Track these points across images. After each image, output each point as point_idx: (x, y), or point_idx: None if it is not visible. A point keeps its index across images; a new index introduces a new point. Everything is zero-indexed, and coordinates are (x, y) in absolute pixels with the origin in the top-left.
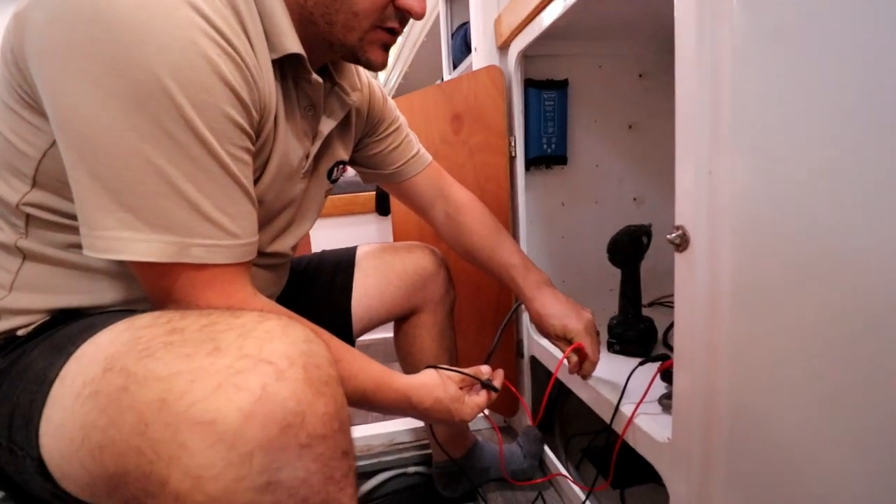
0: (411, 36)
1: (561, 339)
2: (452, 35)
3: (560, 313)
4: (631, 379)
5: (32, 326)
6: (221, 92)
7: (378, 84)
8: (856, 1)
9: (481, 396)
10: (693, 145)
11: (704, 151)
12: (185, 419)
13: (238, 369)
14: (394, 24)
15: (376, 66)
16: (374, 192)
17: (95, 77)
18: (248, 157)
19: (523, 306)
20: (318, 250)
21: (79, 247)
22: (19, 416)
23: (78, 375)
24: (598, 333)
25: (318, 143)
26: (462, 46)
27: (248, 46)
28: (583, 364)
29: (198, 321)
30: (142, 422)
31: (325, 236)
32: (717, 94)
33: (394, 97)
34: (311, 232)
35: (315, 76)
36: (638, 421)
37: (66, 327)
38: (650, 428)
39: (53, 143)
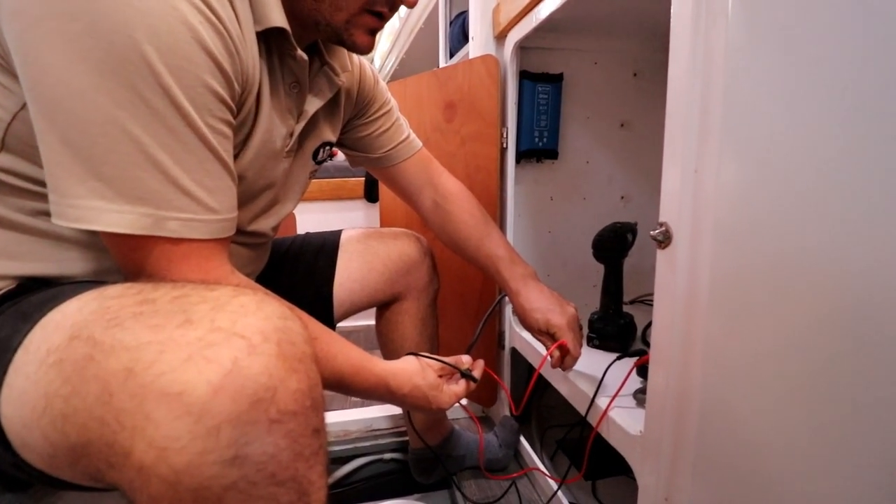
0: (409, 22)
1: (543, 333)
2: (450, 23)
3: (544, 307)
4: (608, 374)
5: None
6: (202, 61)
7: (370, 65)
8: (848, 7)
9: (460, 386)
10: (681, 143)
11: (692, 150)
12: (151, 390)
13: (209, 342)
14: (383, 9)
15: (361, 50)
16: (364, 179)
17: (70, 38)
18: (228, 130)
19: (507, 298)
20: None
21: (48, 214)
22: None
23: (42, 343)
24: (581, 328)
25: (302, 122)
26: (459, 35)
27: (232, 16)
28: (564, 359)
29: (170, 293)
30: (106, 391)
31: (312, 220)
32: (707, 94)
33: (389, 83)
34: (297, 215)
35: (300, 53)
36: (612, 414)
37: (34, 295)
38: (623, 421)
39: (24, 106)
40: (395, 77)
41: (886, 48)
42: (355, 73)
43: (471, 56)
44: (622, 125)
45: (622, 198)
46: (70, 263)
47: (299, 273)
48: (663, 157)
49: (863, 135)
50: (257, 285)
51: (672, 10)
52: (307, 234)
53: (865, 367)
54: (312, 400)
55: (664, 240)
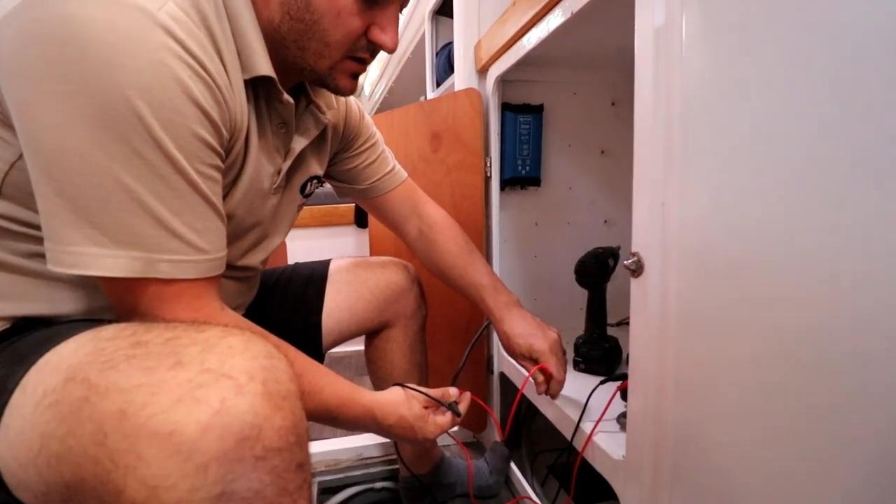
0: (396, 53)
1: (527, 358)
2: (437, 54)
3: (526, 333)
4: (595, 397)
5: None
6: (191, 112)
7: (356, 100)
8: (794, 44)
9: (446, 417)
10: (648, 177)
11: (659, 184)
12: (143, 430)
13: (199, 383)
14: (364, 55)
15: (344, 93)
16: (354, 205)
17: (66, 98)
18: (216, 174)
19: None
20: (294, 261)
21: (43, 256)
22: None
23: (39, 385)
24: (564, 353)
25: (290, 160)
26: (445, 65)
27: (220, 67)
28: (549, 384)
29: (162, 335)
30: (101, 432)
31: (302, 247)
32: (669, 130)
33: (378, 110)
34: (287, 242)
35: (287, 97)
36: (596, 439)
37: (29, 336)
38: (607, 446)
39: (21, 156)
40: (384, 104)
41: (836, 83)
42: (341, 109)
43: (456, 87)
44: (602, 152)
45: (605, 222)
46: (63, 303)
47: (288, 303)
48: (633, 190)
49: (816, 164)
50: (246, 322)
51: (636, 53)
52: (296, 264)
53: (832, 388)
54: (297, 436)
55: (637, 269)
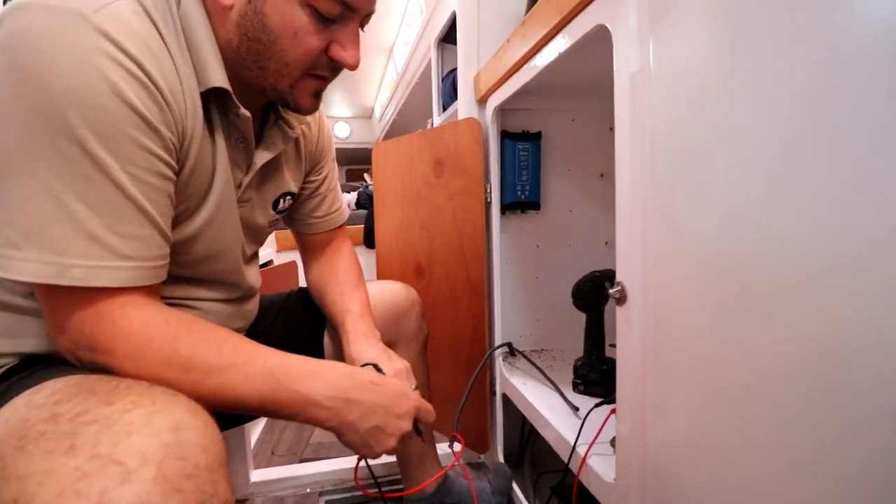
0: (406, 76)
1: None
2: (443, 79)
3: (373, 357)
4: (594, 419)
5: (1, 370)
6: (123, 113)
7: (327, 120)
8: (753, 81)
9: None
10: (628, 212)
11: (638, 218)
12: None
13: (84, 472)
14: (325, 73)
15: (306, 112)
16: (363, 226)
17: (1, 103)
18: (157, 181)
19: (494, 354)
20: (304, 281)
21: (24, 288)
22: None
23: None
24: (413, 380)
25: (250, 174)
26: (451, 91)
27: (171, 73)
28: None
29: (74, 408)
30: None
31: None
32: (644, 168)
33: (388, 132)
34: (298, 263)
35: (243, 111)
36: (590, 461)
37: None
38: (600, 468)
39: None
40: (394, 125)
41: (800, 118)
42: (315, 121)
43: (458, 116)
44: (602, 175)
45: (606, 243)
46: (33, 340)
47: (293, 325)
48: (616, 222)
49: (783, 198)
50: (197, 327)
51: (615, 99)
52: (302, 287)
53: (806, 415)
54: None
55: (621, 298)
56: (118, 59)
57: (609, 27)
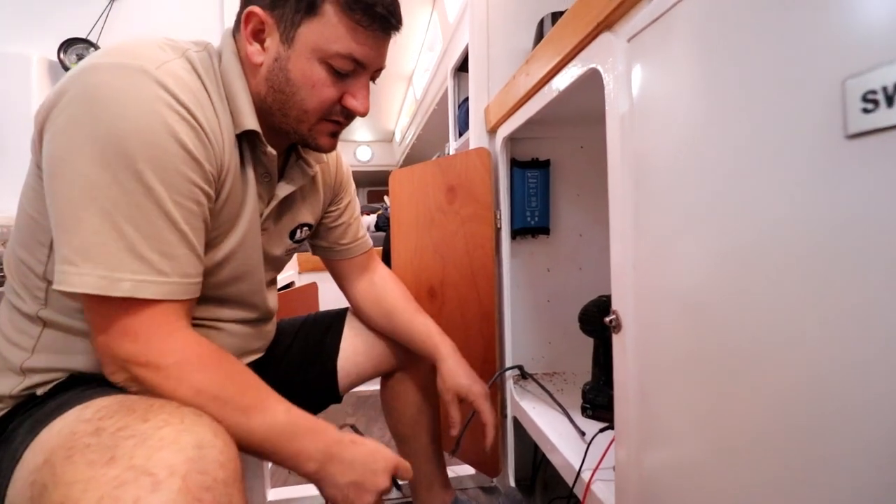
0: (424, 103)
1: (457, 397)
2: (459, 106)
3: (466, 375)
4: (599, 444)
5: (50, 385)
6: (176, 151)
7: (345, 160)
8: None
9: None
10: (620, 244)
11: (630, 250)
12: None
13: (121, 481)
14: (339, 118)
15: (325, 150)
16: (381, 247)
17: (77, 142)
18: (196, 208)
19: (504, 377)
20: (325, 301)
21: (78, 312)
22: None
23: (30, 461)
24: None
25: (272, 205)
26: (466, 117)
27: (212, 117)
28: (485, 429)
29: (116, 423)
30: None
31: (333, 288)
32: (635, 200)
33: (408, 155)
34: (319, 284)
35: (270, 149)
36: (594, 487)
37: (47, 404)
38: (603, 494)
39: None
40: (414, 149)
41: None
42: (332, 160)
43: (470, 145)
44: None
45: None
46: (81, 357)
47: (309, 350)
48: (610, 252)
49: (760, 227)
50: (215, 354)
51: (608, 139)
52: (317, 312)
53: (794, 442)
54: None
55: (616, 326)
56: (174, 107)
57: (601, 70)
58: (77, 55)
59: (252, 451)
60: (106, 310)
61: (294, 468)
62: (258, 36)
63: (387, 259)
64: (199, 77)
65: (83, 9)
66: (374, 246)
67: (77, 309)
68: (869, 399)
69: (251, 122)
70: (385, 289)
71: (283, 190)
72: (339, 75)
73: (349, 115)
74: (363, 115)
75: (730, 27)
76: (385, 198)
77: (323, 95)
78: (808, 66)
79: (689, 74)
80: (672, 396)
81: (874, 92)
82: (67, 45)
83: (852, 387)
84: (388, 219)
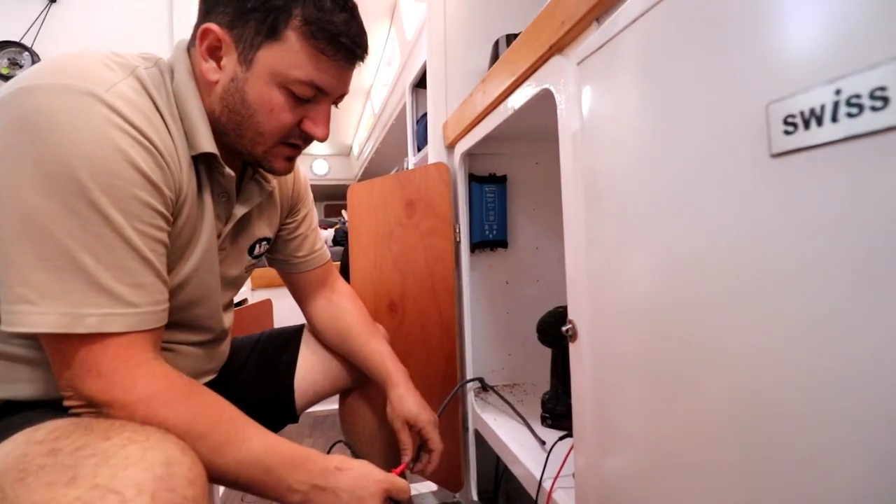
0: (382, 118)
1: (406, 425)
2: (417, 122)
3: (416, 403)
4: (558, 453)
5: None
6: (132, 176)
7: (303, 170)
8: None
9: None
10: (575, 255)
11: (584, 261)
12: None
13: (85, 501)
14: (297, 142)
15: (278, 173)
16: (339, 263)
17: (21, 172)
18: (158, 234)
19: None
20: (280, 318)
21: (19, 338)
22: None
23: None
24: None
25: (230, 225)
26: (424, 133)
27: (167, 139)
28: (430, 455)
29: (74, 442)
30: None
31: (288, 305)
32: (587, 214)
33: (366, 169)
34: (273, 301)
35: (228, 171)
36: (556, 495)
37: None
38: (564, 502)
39: None
40: (372, 163)
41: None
42: (289, 174)
43: (429, 160)
44: None
45: None
46: (39, 384)
47: (264, 368)
48: (566, 264)
49: (710, 235)
50: (181, 382)
51: (561, 157)
52: (272, 329)
53: (742, 449)
54: None
55: (573, 335)
56: (126, 130)
57: (553, 90)
58: (9, 59)
59: (231, 486)
60: (68, 347)
61: (278, 500)
62: (214, 53)
63: (345, 273)
64: (151, 97)
65: (18, 10)
66: (333, 260)
67: (23, 340)
68: (809, 401)
69: (208, 145)
70: (342, 308)
71: (240, 210)
72: (298, 100)
73: (307, 139)
74: (322, 140)
75: (669, 53)
76: (343, 212)
77: (281, 120)
78: (737, 91)
79: (634, 96)
80: (627, 402)
81: (794, 115)
82: None
83: (796, 390)
84: (346, 233)
